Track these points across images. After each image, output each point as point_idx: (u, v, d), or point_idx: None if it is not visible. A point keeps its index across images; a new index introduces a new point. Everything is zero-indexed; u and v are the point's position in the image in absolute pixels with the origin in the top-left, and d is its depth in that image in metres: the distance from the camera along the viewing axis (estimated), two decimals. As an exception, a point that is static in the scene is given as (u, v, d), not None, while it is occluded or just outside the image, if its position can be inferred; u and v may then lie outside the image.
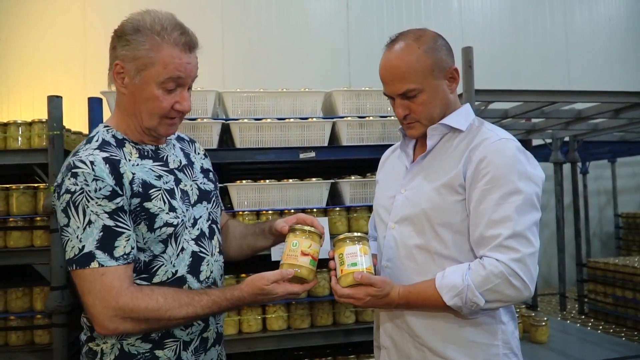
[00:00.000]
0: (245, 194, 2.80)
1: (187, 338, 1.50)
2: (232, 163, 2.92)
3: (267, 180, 2.84)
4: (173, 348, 1.47)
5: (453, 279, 1.43)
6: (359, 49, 7.83)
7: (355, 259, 1.50)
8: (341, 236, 1.57)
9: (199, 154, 1.74)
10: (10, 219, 2.86)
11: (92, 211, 1.33)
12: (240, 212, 2.75)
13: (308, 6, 7.87)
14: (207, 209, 1.60)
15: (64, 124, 2.83)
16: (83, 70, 6.84)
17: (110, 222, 1.35)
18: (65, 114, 2.84)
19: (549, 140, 6.62)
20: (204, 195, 1.61)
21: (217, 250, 1.61)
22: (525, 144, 6.14)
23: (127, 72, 1.44)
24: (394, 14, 8.14)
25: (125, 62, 1.43)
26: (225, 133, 2.88)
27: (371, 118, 2.90)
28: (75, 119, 4.10)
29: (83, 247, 1.33)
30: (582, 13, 8.92)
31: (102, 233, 1.34)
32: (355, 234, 1.56)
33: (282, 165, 3.29)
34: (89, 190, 1.33)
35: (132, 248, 1.39)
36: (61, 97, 2.82)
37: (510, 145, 1.51)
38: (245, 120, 2.81)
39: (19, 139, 2.87)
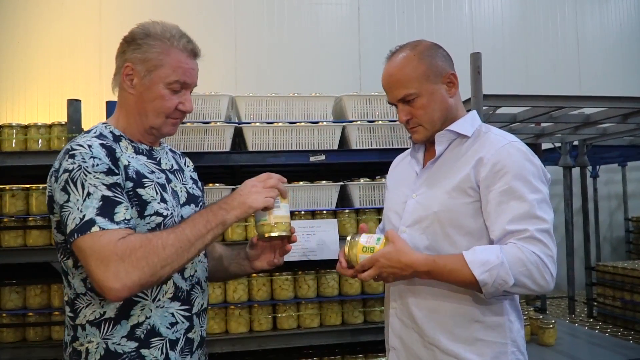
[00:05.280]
0: (257, 195, 2.85)
1: (172, 337, 1.50)
2: (244, 166, 2.98)
3: (278, 183, 2.89)
4: (159, 347, 1.47)
5: (486, 256, 1.46)
6: (369, 53, 7.87)
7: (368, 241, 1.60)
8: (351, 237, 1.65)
9: (188, 166, 1.79)
10: (30, 218, 2.91)
11: (90, 184, 1.36)
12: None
13: (319, 11, 7.92)
14: (194, 211, 1.62)
15: (83, 126, 2.91)
16: (99, 75, 6.96)
17: (108, 193, 1.37)
18: (83, 117, 2.93)
19: (558, 144, 6.63)
20: (192, 199, 1.65)
21: (202, 252, 1.61)
22: (535, 147, 6.15)
23: (136, 74, 1.52)
24: (405, 18, 8.18)
25: (136, 63, 1.52)
26: (238, 136, 2.93)
27: (380, 122, 2.95)
28: (93, 122, 4.23)
29: (84, 216, 1.34)
30: (593, 18, 8.91)
31: (101, 202, 1.35)
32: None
33: (293, 168, 3.34)
34: (87, 166, 1.37)
35: (132, 217, 1.40)
36: (80, 101, 2.90)
37: (522, 148, 1.59)
38: (257, 124, 2.87)
39: (39, 140, 2.95)
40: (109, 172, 1.39)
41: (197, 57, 1.60)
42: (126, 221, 1.36)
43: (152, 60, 1.51)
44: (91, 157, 1.38)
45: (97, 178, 1.37)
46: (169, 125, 1.58)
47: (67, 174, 1.37)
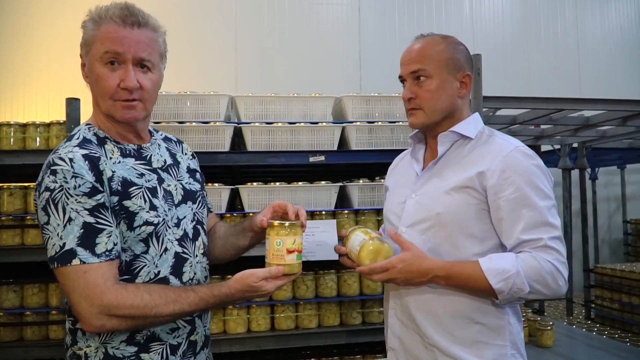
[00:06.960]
0: (256, 196, 2.85)
1: (174, 341, 1.47)
2: (243, 166, 2.97)
3: (278, 183, 2.89)
4: (159, 351, 1.45)
5: (502, 264, 1.47)
6: (370, 54, 7.87)
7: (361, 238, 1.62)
8: (351, 229, 1.71)
9: (186, 154, 1.72)
10: (28, 217, 2.90)
11: (72, 208, 1.31)
12: (251, 214, 2.80)
13: (320, 11, 7.91)
14: (192, 209, 1.58)
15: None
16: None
17: (90, 219, 1.32)
18: (82, 115, 2.92)
19: (557, 147, 6.63)
20: (189, 196, 1.59)
21: (201, 251, 1.59)
22: (534, 149, 6.13)
23: (83, 60, 1.46)
24: (406, 19, 8.17)
25: (81, 50, 1.46)
26: (238, 136, 2.93)
27: (380, 123, 2.95)
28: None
29: (64, 244, 1.30)
30: (593, 21, 8.91)
31: (82, 230, 1.31)
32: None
33: (293, 168, 3.33)
34: (69, 188, 1.31)
35: (115, 244, 1.35)
36: (79, 99, 2.89)
37: (528, 152, 1.59)
38: (257, 124, 2.86)
39: (38, 139, 2.94)
40: (92, 192, 1.33)
41: (138, 26, 1.42)
42: (107, 252, 1.34)
43: (87, 40, 1.43)
44: (73, 175, 1.31)
45: (79, 202, 1.32)
46: (120, 108, 1.43)
47: (48, 192, 1.32)
